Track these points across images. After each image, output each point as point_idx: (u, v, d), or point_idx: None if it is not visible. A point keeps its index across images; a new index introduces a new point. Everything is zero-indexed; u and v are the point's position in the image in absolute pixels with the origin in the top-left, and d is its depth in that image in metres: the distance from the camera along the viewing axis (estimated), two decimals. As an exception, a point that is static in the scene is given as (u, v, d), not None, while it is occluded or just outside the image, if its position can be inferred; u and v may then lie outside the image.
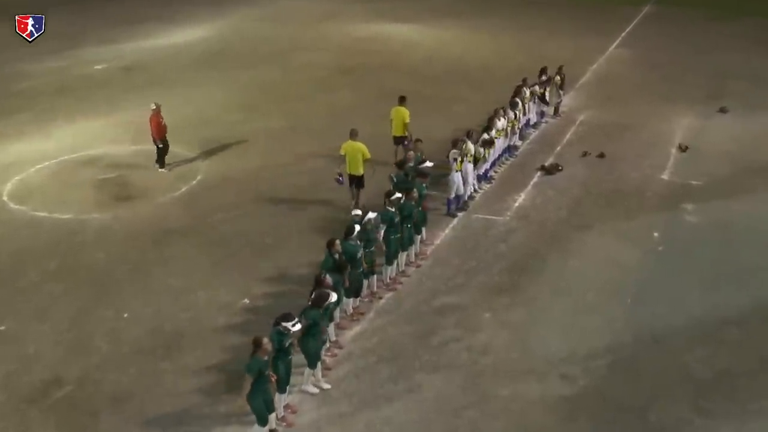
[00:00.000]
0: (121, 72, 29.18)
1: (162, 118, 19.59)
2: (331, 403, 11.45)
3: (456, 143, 16.93)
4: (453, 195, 17.08)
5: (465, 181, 17.22)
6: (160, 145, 19.66)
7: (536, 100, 22.01)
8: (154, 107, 19.63)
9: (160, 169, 19.78)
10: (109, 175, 19.77)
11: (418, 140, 17.21)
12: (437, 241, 16.12)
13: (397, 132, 19.21)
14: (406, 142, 18.67)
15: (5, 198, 18.63)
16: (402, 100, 19.28)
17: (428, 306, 13.83)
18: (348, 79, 27.43)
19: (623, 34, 34.39)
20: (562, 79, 23.15)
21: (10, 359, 12.58)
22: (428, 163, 16.01)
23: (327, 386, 11.73)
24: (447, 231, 16.55)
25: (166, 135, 19.67)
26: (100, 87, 27.35)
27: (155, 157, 19.81)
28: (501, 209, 17.49)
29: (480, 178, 18.27)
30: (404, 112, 19.07)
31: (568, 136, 22.03)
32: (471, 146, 17.23)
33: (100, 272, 15.09)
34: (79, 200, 18.36)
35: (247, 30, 35.71)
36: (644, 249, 15.70)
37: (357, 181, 16.94)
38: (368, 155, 16.75)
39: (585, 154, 20.46)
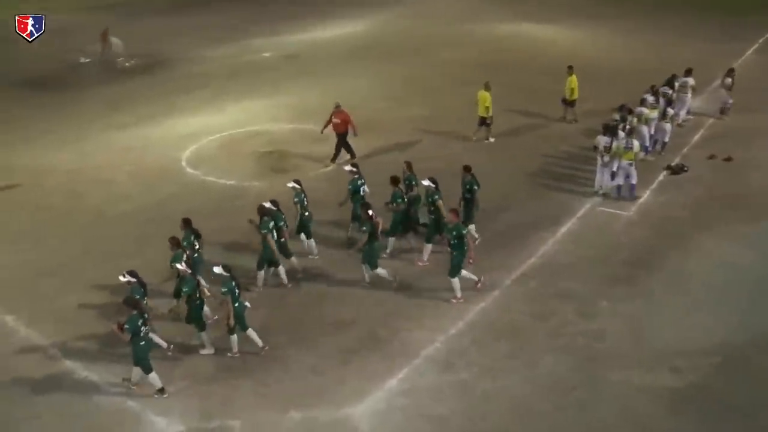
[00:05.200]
0: (284, 60, 30.14)
1: (334, 116, 19.15)
2: (453, 370, 11.55)
3: (608, 130, 16.96)
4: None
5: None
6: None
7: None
8: (335, 107, 19.43)
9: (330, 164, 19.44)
10: (268, 149, 20.60)
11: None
12: (563, 229, 15.80)
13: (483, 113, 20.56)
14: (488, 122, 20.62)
15: (183, 163, 19.88)
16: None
17: (549, 290, 13.63)
18: (486, 75, 26.96)
19: (761, 40, 31.99)
20: (732, 82, 21.88)
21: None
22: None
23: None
24: (573, 220, 16.18)
25: (342, 133, 19.25)
26: (266, 72, 28.39)
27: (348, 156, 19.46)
28: (625, 204, 16.87)
29: (613, 175, 17.58)
30: (487, 97, 20.35)
31: (696, 138, 20.87)
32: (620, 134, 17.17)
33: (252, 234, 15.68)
34: (242, 169, 19.25)
35: (396, 26, 35.90)
36: (764, 253, 14.72)
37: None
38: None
39: (712, 156, 19.33)
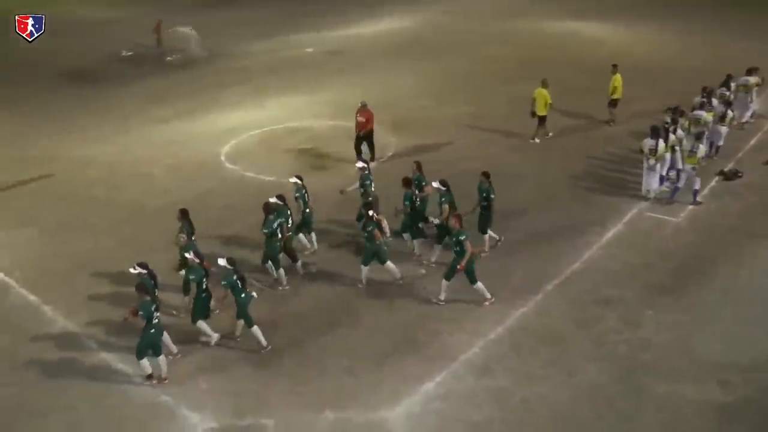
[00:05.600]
0: (326, 56, 30.21)
1: (358, 115, 19.09)
2: (491, 376, 11.43)
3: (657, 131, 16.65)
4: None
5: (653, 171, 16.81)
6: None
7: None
8: (361, 106, 19.36)
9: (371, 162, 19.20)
10: (307, 146, 20.63)
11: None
12: (608, 234, 15.53)
13: (541, 111, 20.34)
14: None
15: (222, 158, 20.08)
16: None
17: (592, 296, 13.40)
18: (530, 73, 26.72)
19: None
20: None
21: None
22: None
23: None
24: (618, 226, 15.86)
25: (361, 132, 19.08)
26: (306, 68, 28.47)
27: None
28: (674, 210, 16.50)
29: (662, 179, 17.26)
30: (546, 94, 20.04)
31: (751, 142, 20.30)
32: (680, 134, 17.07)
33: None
34: (281, 165, 19.30)
35: (440, 23, 35.72)
36: (823, 265, 14.28)
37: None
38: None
39: (768, 162, 18.81)
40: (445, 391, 11.17)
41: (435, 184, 14.31)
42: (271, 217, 13.60)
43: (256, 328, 12.11)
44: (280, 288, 13.78)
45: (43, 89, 26.69)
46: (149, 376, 11.43)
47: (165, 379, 11.46)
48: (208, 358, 12.03)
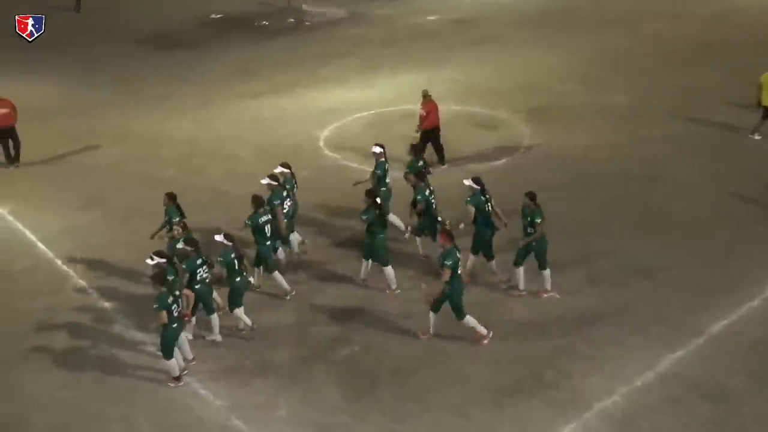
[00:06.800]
0: (453, 25, 30.40)
1: (422, 108, 19.18)
2: (634, 430, 11.12)
3: None
4: None
5: None
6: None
7: None
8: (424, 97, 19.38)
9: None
10: (425, 134, 20.73)
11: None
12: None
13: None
14: None
15: (321, 144, 20.58)
16: None
17: (776, 344, 12.81)
18: (709, 56, 25.97)
19: None
20: None
21: (305, 310, 14.02)
22: None
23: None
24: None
25: (429, 129, 19.17)
26: (428, 39, 28.75)
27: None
28: None
29: None
30: None
31: None
32: None
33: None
34: (391, 157, 19.28)
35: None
36: None
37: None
38: None
39: None
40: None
41: (467, 182, 14.25)
42: (261, 211, 14.02)
43: (240, 311, 13.04)
44: (287, 297, 14.27)
45: (121, 56, 28.19)
46: (176, 378, 12.10)
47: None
48: (289, 378, 12.30)
